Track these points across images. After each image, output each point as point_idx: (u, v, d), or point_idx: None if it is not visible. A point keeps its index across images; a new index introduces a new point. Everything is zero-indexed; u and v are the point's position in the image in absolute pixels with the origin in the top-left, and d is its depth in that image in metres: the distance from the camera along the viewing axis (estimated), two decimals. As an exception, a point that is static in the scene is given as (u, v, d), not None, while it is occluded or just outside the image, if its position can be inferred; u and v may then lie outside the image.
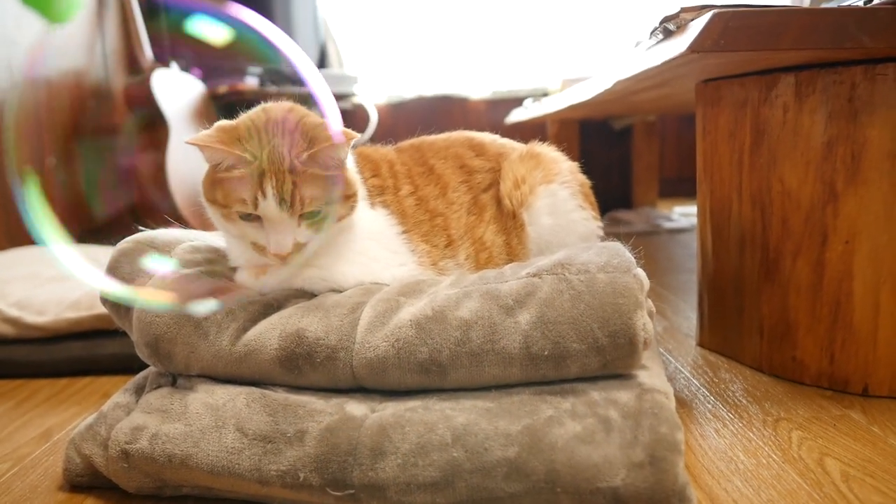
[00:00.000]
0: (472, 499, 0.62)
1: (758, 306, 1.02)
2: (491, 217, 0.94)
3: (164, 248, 0.85)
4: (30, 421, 0.96)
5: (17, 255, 1.55)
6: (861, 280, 0.90)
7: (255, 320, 0.76)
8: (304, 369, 0.73)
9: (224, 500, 0.71)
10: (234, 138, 0.76)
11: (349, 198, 0.80)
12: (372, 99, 3.20)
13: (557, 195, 0.95)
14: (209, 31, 0.74)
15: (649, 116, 2.88)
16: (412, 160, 0.95)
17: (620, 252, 0.76)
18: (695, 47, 0.78)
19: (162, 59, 2.30)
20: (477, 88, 3.55)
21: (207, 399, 0.72)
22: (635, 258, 0.76)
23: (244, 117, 0.80)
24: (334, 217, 0.78)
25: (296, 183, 0.74)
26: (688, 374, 1.03)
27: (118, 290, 0.77)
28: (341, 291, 0.82)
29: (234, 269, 0.85)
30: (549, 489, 0.61)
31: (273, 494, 0.67)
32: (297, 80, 2.70)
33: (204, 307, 0.73)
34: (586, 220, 0.97)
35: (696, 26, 0.79)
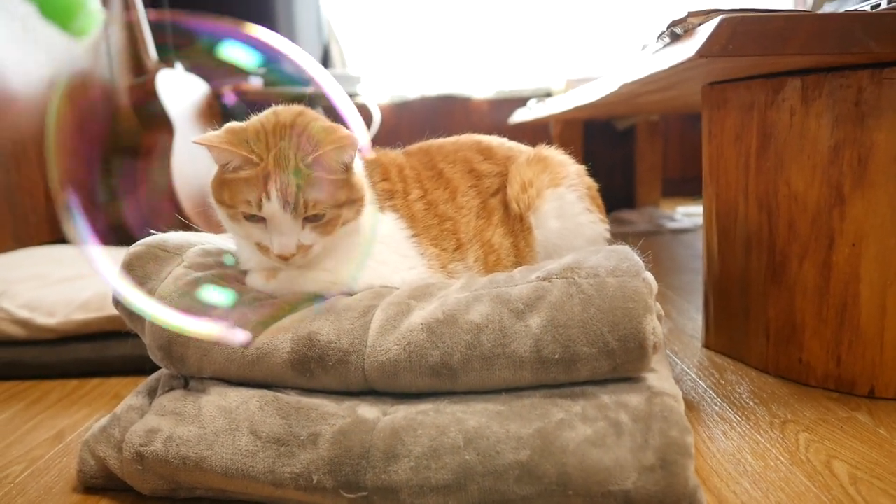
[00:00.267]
0: (484, 501, 0.63)
1: (764, 308, 1.02)
2: (499, 220, 0.95)
3: (175, 252, 0.86)
4: (41, 422, 0.97)
5: (25, 256, 1.56)
6: (868, 283, 0.90)
7: (266, 323, 0.77)
8: (316, 372, 0.73)
9: (238, 503, 0.72)
10: (242, 140, 0.77)
11: (355, 202, 0.80)
12: (375, 99, 3.21)
13: (565, 198, 0.96)
14: (233, 54, 0.74)
15: (652, 116, 2.88)
16: (421, 164, 0.95)
17: (629, 256, 0.77)
18: (703, 52, 0.78)
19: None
20: (480, 88, 3.55)
21: (220, 402, 0.73)
22: (643, 261, 0.77)
23: (254, 119, 0.81)
24: (339, 220, 0.79)
25: (300, 185, 0.75)
26: (694, 376, 1.04)
27: (171, 318, 0.75)
28: (351, 294, 0.82)
29: (244, 272, 0.86)
30: (561, 492, 0.61)
31: (287, 497, 0.68)
32: (299, 81, 2.72)
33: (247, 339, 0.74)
34: (594, 223, 0.98)
35: (705, 31, 0.80)
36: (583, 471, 0.61)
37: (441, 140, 1.02)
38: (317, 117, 0.82)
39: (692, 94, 1.33)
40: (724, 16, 0.78)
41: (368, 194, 0.84)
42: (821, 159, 0.92)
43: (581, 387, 0.71)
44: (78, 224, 0.70)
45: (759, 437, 0.83)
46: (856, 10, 0.85)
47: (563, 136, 2.68)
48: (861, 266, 0.91)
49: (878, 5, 0.80)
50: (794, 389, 0.97)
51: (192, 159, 2.06)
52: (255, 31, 0.75)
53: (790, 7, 3.62)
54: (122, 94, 2.42)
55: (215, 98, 2.37)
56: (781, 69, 0.93)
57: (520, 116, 2.65)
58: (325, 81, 0.76)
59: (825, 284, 0.94)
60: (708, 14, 0.86)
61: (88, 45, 2.26)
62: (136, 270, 0.83)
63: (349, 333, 0.74)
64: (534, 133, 2.99)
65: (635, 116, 2.82)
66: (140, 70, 2.40)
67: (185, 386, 0.80)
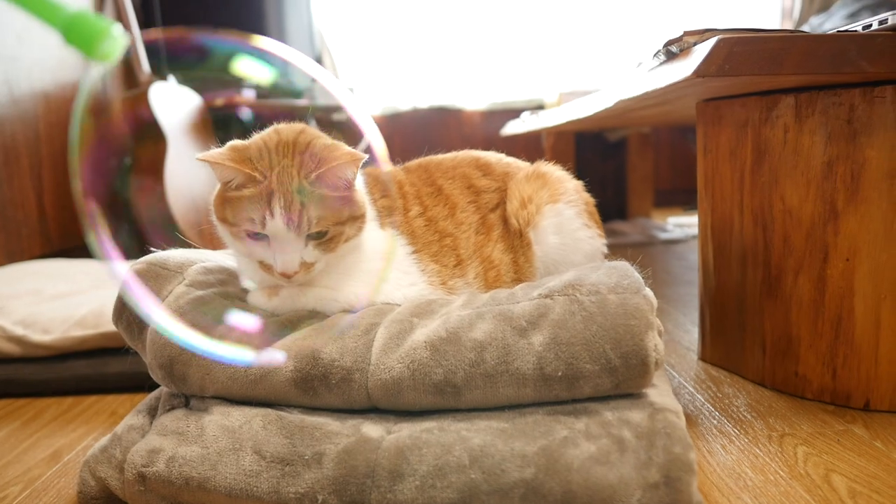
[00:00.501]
0: (489, 520, 0.63)
1: (760, 322, 1.03)
2: (498, 236, 0.95)
3: (176, 270, 0.85)
4: (38, 441, 0.96)
5: (17, 271, 1.55)
6: (862, 297, 0.92)
7: (269, 342, 0.77)
8: (319, 391, 0.73)
9: (240, 522, 0.71)
10: (246, 157, 0.77)
11: (357, 219, 0.81)
12: (367, 111, 3.21)
13: (563, 214, 0.96)
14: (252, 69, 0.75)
15: (644, 128, 2.91)
16: (420, 181, 0.96)
17: (629, 273, 0.78)
18: (700, 72, 0.80)
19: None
20: (472, 100, 3.58)
21: (223, 421, 0.73)
22: (643, 277, 0.78)
23: (256, 137, 0.81)
24: (342, 237, 0.79)
25: (304, 203, 0.75)
26: (691, 389, 1.05)
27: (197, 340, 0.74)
28: (353, 311, 0.83)
29: (245, 291, 0.86)
30: (566, 510, 0.62)
31: (291, 517, 0.67)
32: (292, 94, 2.72)
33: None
34: (591, 238, 0.99)
35: (701, 51, 0.81)
36: (588, 489, 0.62)
37: (439, 156, 1.03)
38: (319, 135, 0.82)
39: (685, 109, 1.35)
40: (720, 36, 0.80)
41: (369, 211, 0.85)
42: (814, 175, 0.94)
43: (583, 403, 0.72)
44: (101, 237, 0.70)
45: (757, 450, 0.83)
46: (847, 30, 0.86)
47: (555, 148, 2.70)
48: (855, 280, 0.92)
49: (870, 26, 0.82)
50: (790, 402, 0.98)
51: (185, 172, 2.05)
52: (265, 42, 0.75)
53: (777, 19, 3.68)
54: (114, 107, 2.41)
55: (209, 110, 2.37)
56: (776, 87, 0.95)
57: (512, 128, 2.66)
58: (341, 93, 0.77)
59: (820, 298, 0.95)
60: (703, 33, 0.87)
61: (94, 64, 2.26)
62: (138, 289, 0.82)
63: (352, 352, 0.74)
64: (526, 144, 3.02)
65: (627, 128, 2.84)
66: (133, 83, 2.40)
67: (186, 405, 0.79)
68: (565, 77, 3.49)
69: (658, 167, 3.52)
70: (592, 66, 3.53)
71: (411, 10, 3.53)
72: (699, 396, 1.02)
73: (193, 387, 0.77)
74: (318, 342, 0.75)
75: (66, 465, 0.88)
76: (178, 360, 0.76)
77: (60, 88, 2.13)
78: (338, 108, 2.90)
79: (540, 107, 3.10)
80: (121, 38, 0.56)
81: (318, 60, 3.23)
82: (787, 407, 0.96)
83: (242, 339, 0.75)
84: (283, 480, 0.66)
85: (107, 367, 1.12)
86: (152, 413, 0.82)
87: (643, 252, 2.29)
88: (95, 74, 0.71)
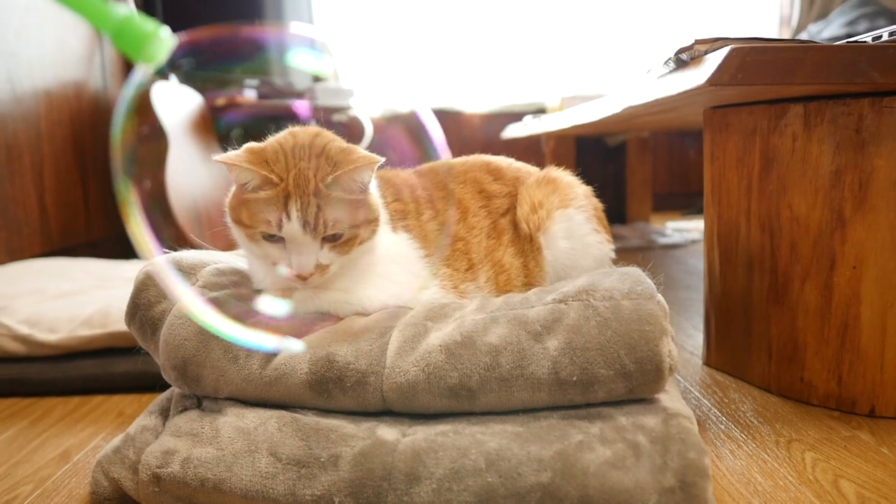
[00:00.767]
0: (506, 523, 0.63)
1: (766, 328, 1.04)
2: (509, 241, 0.96)
3: (189, 271, 0.86)
4: (46, 441, 0.95)
5: (18, 270, 1.54)
6: (868, 304, 0.93)
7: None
8: (334, 393, 0.74)
9: (255, 524, 0.71)
10: (262, 160, 0.77)
11: (371, 222, 0.81)
12: (368, 112, 3.21)
13: (573, 219, 0.97)
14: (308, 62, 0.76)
15: (643, 133, 2.92)
16: (432, 184, 0.96)
17: (642, 279, 0.78)
18: (713, 81, 0.81)
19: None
20: (473, 103, 3.58)
21: (238, 423, 0.73)
22: (655, 283, 0.78)
23: (272, 140, 0.82)
24: (356, 240, 0.80)
25: (320, 206, 0.75)
26: (698, 395, 1.06)
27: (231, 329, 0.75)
28: (366, 314, 0.83)
29: (258, 292, 0.86)
30: (583, 514, 0.62)
31: (307, 519, 0.68)
32: (291, 94, 2.72)
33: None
34: (601, 243, 0.99)
35: (714, 60, 0.82)
36: (604, 493, 0.62)
37: (450, 160, 1.03)
38: (333, 138, 0.82)
39: (691, 115, 1.36)
40: (733, 45, 0.81)
41: (382, 214, 0.85)
42: (822, 183, 0.95)
43: (597, 408, 0.72)
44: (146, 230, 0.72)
45: (765, 455, 0.84)
46: (857, 41, 0.87)
47: (556, 152, 2.71)
48: (862, 288, 0.93)
49: (880, 37, 0.83)
50: (796, 408, 0.99)
51: (186, 172, 2.05)
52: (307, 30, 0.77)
53: (776, 27, 3.71)
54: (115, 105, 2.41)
55: (210, 110, 2.37)
56: (785, 96, 0.96)
57: (512, 132, 2.67)
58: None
59: (827, 305, 0.96)
60: (714, 42, 0.88)
61: (82, 55, 2.25)
62: (151, 290, 0.83)
63: (367, 355, 0.74)
64: (526, 148, 3.02)
65: (626, 133, 2.86)
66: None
67: (198, 406, 0.80)
68: (566, 81, 3.50)
69: (655, 171, 3.54)
70: (593, 71, 3.55)
71: (411, 11, 3.53)
72: (706, 401, 1.03)
73: (207, 388, 0.77)
74: (333, 345, 0.75)
75: (76, 464, 0.87)
76: (192, 361, 0.76)
77: (62, 87, 2.12)
78: (342, 108, 2.91)
79: (541, 111, 3.11)
80: (168, 41, 0.56)
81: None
82: (793, 413, 0.97)
83: (267, 326, 0.76)
84: (300, 482, 0.67)
85: (114, 366, 1.12)
86: (164, 414, 0.82)
87: (643, 257, 2.30)
88: (142, 74, 0.71)
